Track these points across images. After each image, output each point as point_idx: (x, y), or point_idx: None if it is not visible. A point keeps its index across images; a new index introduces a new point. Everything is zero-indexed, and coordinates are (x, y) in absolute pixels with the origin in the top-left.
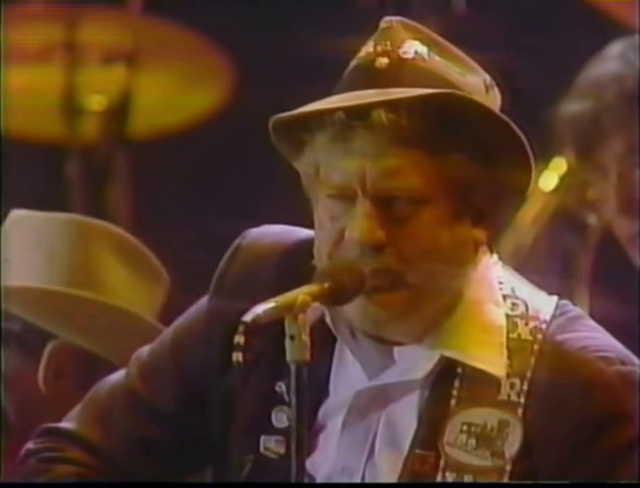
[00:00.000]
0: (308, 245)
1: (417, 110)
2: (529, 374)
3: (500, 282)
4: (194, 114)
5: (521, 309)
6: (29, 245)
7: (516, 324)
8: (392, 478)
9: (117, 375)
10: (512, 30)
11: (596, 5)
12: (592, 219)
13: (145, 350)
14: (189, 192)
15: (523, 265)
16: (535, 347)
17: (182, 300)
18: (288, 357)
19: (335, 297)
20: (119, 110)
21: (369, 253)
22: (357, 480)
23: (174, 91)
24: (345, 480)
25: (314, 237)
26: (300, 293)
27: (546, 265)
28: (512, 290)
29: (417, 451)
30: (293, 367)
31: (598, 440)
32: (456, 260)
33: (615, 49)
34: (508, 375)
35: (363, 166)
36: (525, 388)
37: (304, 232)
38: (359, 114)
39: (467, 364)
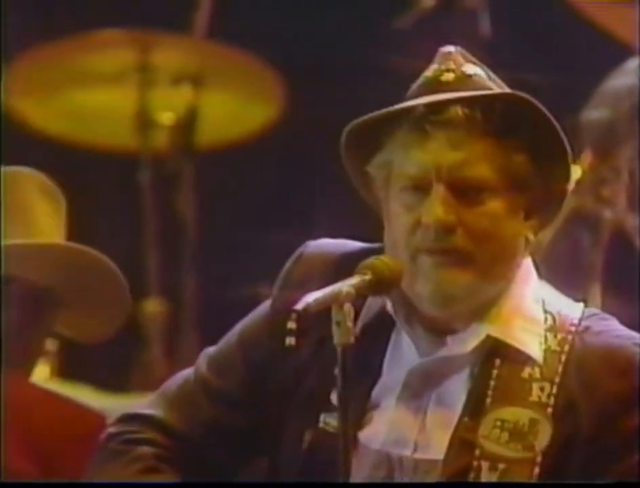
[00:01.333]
0: (358, 254)
1: (489, 108)
2: (557, 380)
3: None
4: (254, 128)
5: (549, 322)
6: None
7: (546, 338)
8: (442, 446)
9: (185, 372)
10: (531, 51)
11: (602, 27)
12: (607, 214)
13: (211, 349)
14: (249, 199)
15: (542, 262)
16: (563, 357)
17: (246, 297)
18: (335, 341)
19: (375, 288)
20: (187, 125)
21: (443, 235)
22: (409, 450)
23: (236, 107)
24: (398, 450)
25: (385, 233)
26: (344, 285)
27: (561, 262)
28: (543, 302)
29: (466, 419)
30: (339, 350)
31: (632, 417)
32: (511, 250)
33: (632, 64)
34: (537, 380)
35: (439, 157)
36: (554, 391)
37: (356, 244)
38: (438, 109)
39: (509, 345)
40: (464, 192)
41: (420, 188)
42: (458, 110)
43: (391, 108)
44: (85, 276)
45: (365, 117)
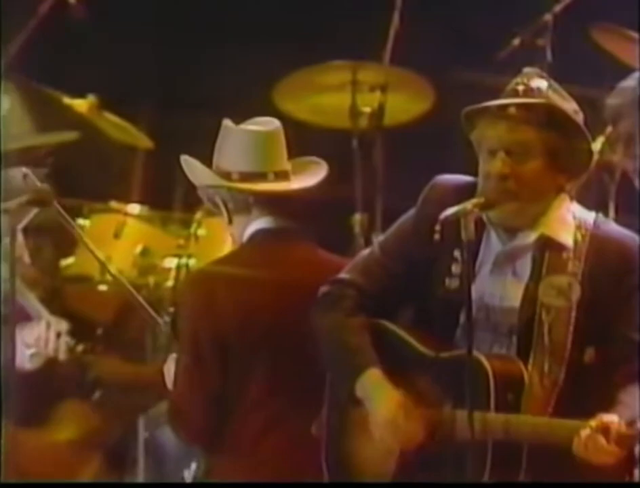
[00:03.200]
0: (471, 184)
1: (533, 108)
2: (582, 258)
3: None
4: (415, 117)
5: (577, 224)
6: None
7: (575, 234)
8: (518, 299)
9: (370, 248)
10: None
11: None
12: (614, 157)
13: (381, 236)
14: (408, 171)
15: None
16: (585, 245)
17: None
18: (462, 237)
19: (485, 206)
20: (378, 115)
21: (501, 181)
22: (498, 300)
23: (404, 104)
24: (491, 300)
25: (479, 177)
26: (468, 204)
27: (589, 190)
28: (573, 214)
29: (531, 283)
30: (465, 242)
31: (633, 277)
32: (546, 189)
33: (636, 74)
34: (571, 259)
35: (501, 135)
36: (581, 265)
37: (467, 178)
38: (504, 108)
39: (554, 239)
40: (515, 156)
41: (492, 152)
42: (513, 110)
43: (481, 105)
44: None
45: (468, 108)
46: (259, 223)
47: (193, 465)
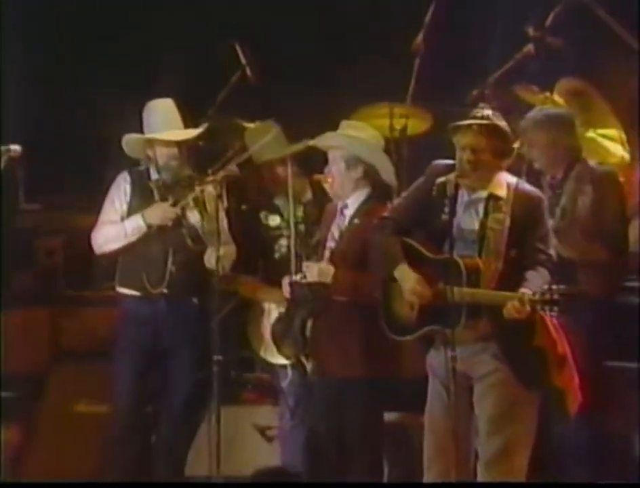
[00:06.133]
0: (452, 165)
1: (483, 126)
2: (510, 203)
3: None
4: (420, 132)
5: (507, 184)
6: None
7: (507, 192)
8: (476, 224)
9: (404, 195)
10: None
11: None
12: (524, 152)
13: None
14: None
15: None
16: (512, 195)
17: None
18: (447, 193)
19: (460, 177)
20: (404, 130)
21: (468, 164)
22: (466, 225)
23: (416, 125)
24: (462, 226)
25: (456, 161)
26: (451, 175)
27: (513, 169)
28: (506, 179)
29: (483, 217)
30: (449, 195)
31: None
32: (493, 168)
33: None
34: (505, 204)
35: (469, 139)
36: (509, 207)
37: (450, 162)
38: (468, 125)
39: (496, 194)
40: (474, 151)
41: (463, 148)
42: (474, 126)
43: (457, 123)
44: None
45: (451, 124)
46: None
47: None
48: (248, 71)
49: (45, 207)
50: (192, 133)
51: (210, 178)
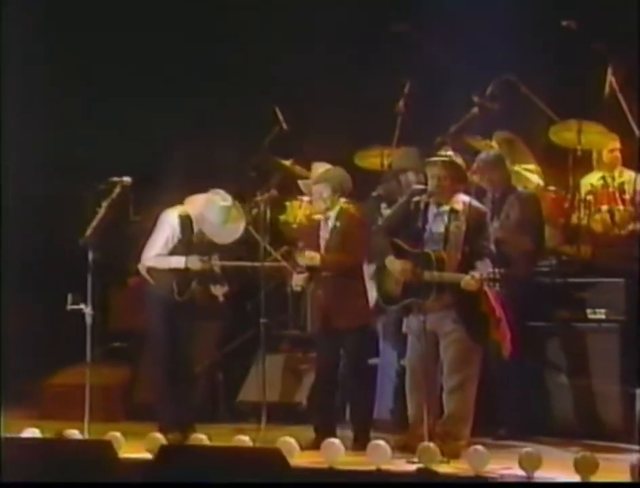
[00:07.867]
0: (425, 188)
1: (448, 161)
2: (466, 214)
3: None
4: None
5: (463, 201)
6: None
7: (463, 206)
8: (442, 229)
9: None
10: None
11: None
12: (476, 180)
13: None
14: None
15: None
16: (467, 209)
17: None
18: (421, 206)
19: (430, 196)
20: (392, 164)
21: (435, 188)
22: (435, 229)
23: (402, 160)
24: (432, 230)
25: (428, 185)
26: (424, 195)
27: (467, 191)
28: (462, 198)
29: (447, 223)
30: (422, 209)
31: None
32: (452, 190)
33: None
34: (464, 214)
35: (435, 170)
36: (466, 216)
37: (423, 186)
38: (434, 161)
39: (455, 208)
40: (440, 177)
41: (433, 176)
42: (439, 162)
43: (428, 159)
44: None
45: (425, 160)
46: None
47: None
48: (284, 125)
49: (143, 219)
50: (235, 236)
51: (258, 198)
